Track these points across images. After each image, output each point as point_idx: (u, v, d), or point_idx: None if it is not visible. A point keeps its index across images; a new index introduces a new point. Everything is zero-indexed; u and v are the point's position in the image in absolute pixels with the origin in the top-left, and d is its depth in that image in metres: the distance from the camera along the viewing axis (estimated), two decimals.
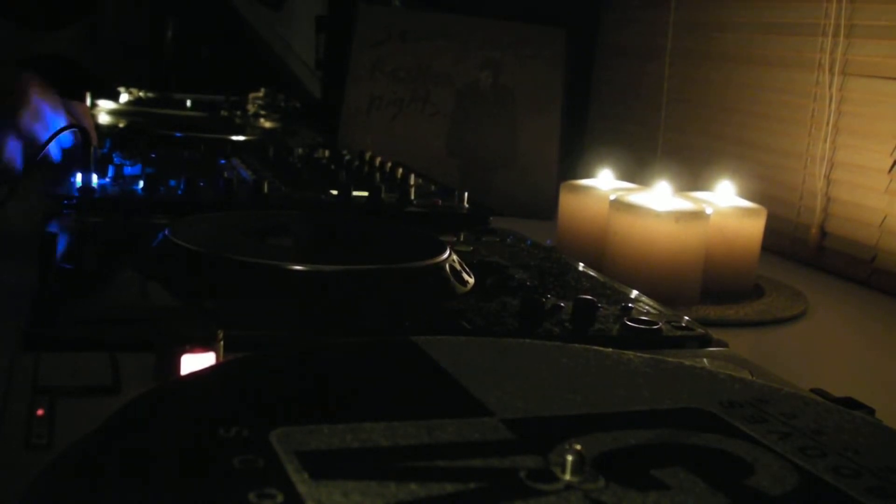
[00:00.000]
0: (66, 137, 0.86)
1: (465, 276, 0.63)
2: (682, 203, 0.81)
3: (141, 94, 1.79)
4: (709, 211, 0.82)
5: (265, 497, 0.26)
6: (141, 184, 0.83)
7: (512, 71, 1.34)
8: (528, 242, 0.82)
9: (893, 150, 0.98)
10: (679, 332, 0.56)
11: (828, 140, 1.06)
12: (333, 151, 1.21)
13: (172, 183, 0.85)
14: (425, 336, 0.44)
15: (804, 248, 1.08)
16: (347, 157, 1.16)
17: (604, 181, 0.95)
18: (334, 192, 0.88)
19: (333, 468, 0.29)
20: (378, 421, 0.33)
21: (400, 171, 1.05)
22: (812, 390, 0.45)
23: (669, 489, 0.30)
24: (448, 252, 0.64)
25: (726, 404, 0.38)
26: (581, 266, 0.74)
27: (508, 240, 0.82)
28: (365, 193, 0.88)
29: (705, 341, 0.56)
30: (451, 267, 0.62)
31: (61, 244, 0.64)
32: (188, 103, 1.79)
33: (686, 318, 0.59)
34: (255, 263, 0.56)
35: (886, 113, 0.99)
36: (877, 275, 0.99)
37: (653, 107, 1.37)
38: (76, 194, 0.78)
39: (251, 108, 1.75)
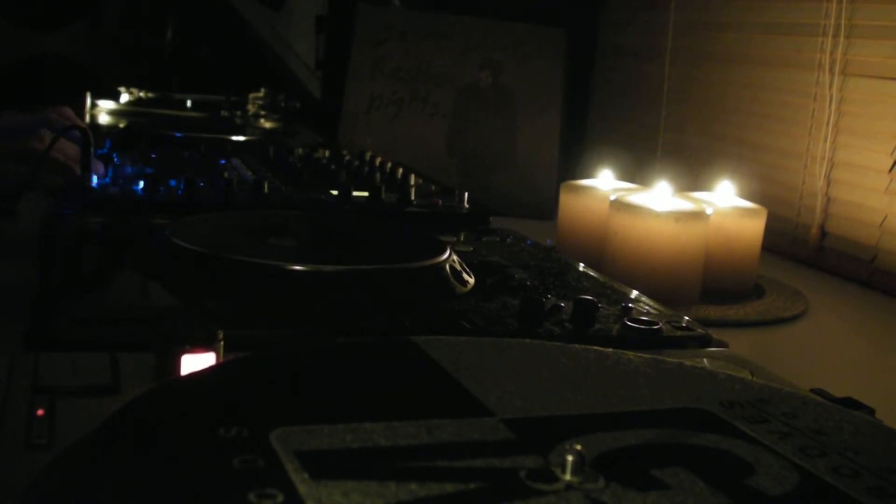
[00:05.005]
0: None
1: (465, 276, 0.63)
2: (682, 203, 0.81)
3: (141, 94, 1.79)
4: (709, 211, 0.82)
5: (265, 497, 0.26)
6: (141, 184, 0.83)
7: (512, 71, 1.34)
8: (528, 242, 0.82)
9: (893, 150, 0.98)
10: (679, 332, 0.56)
11: (828, 140, 1.06)
12: (333, 151, 1.21)
13: (172, 183, 0.85)
14: (425, 336, 0.44)
15: (804, 248, 1.08)
16: (347, 157, 1.16)
17: (604, 181, 0.95)
18: (334, 192, 0.88)
19: (333, 468, 0.29)
20: (378, 421, 0.33)
21: (400, 171, 1.05)
22: (812, 390, 0.45)
23: (669, 489, 0.30)
24: (448, 252, 0.64)
25: (726, 404, 0.38)
26: (581, 266, 0.74)
27: (508, 240, 0.82)
28: (365, 193, 0.88)
29: (705, 341, 0.56)
30: (451, 267, 0.62)
31: (61, 244, 0.64)
32: (188, 103, 1.79)
33: (686, 318, 0.59)
34: (255, 263, 0.56)
35: (886, 113, 0.99)
36: (877, 275, 0.99)
37: (653, 107, 1.37)
38: (76, 194, 0.78)
39: (251, 108, 1.75)
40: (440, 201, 0.92)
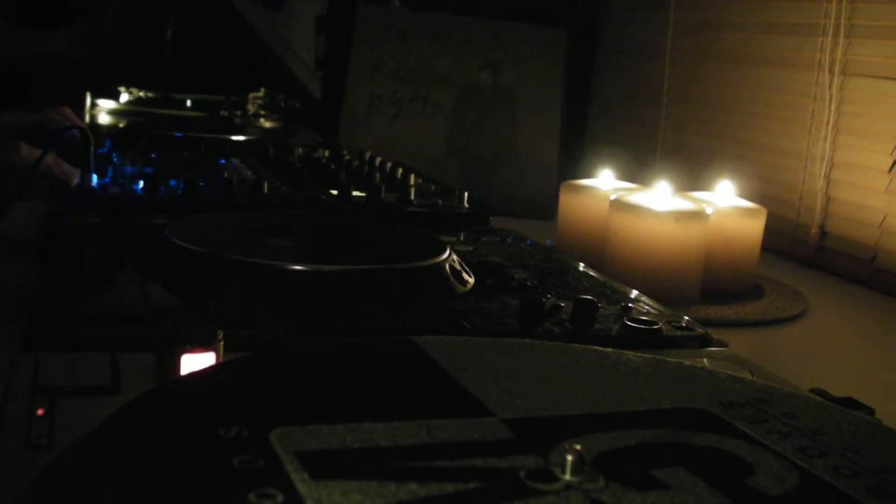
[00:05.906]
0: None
1: (465, 276, 0.63)
2: (682, 203, 0.81)
3: (141, 94, 1.78)
4: (709, 211, 0.82)
5: (265, 497, 0.26)
6: (141, 184, 0.83)
7: (512, 71, 1.34)
8: (528, 242, 0.82)
9: (893, 150, 0.98)
10: (679, 332, 0.56)
11: (828, 140, 1.06)
12: (333, 151, 1.21)
13: (172, 183, 0.85)
14: (425, 336, 0.44)
15: (804, 248, 1.08)
16: (347, 157, 1.16)
17: (604, 181, 0.95)
18: (334, 192, 0.88)
19: (333, 468, 0.29)
20: (378, 421, 0.33)
21: (400, 171, 1.05)
22: (812, 390, 0.45)
23: (669, 489, 0.30)
24: (448, 252, 0.64)
25: (726, 404, 0.38)
26: (581, 266, 0.74)
27: (508, 240, 0.82)
28: (365, 193, 0.88)
29: (705, 341, 0.56)
30: (451, 267, 0.62)
31: (61, 244, 0.64)
32: (188, 103, 1.79)
33: (686, 318, 0.59)
34: (255, 263, 0.56)
35: (886, 113, 0.99)
36: (877, 275, 0.99)
37: (653, 107, 1.37)
38: (76, 194, 0.78)
39: (251, 108, 1.75)
40: (440, 201, 0.92)
